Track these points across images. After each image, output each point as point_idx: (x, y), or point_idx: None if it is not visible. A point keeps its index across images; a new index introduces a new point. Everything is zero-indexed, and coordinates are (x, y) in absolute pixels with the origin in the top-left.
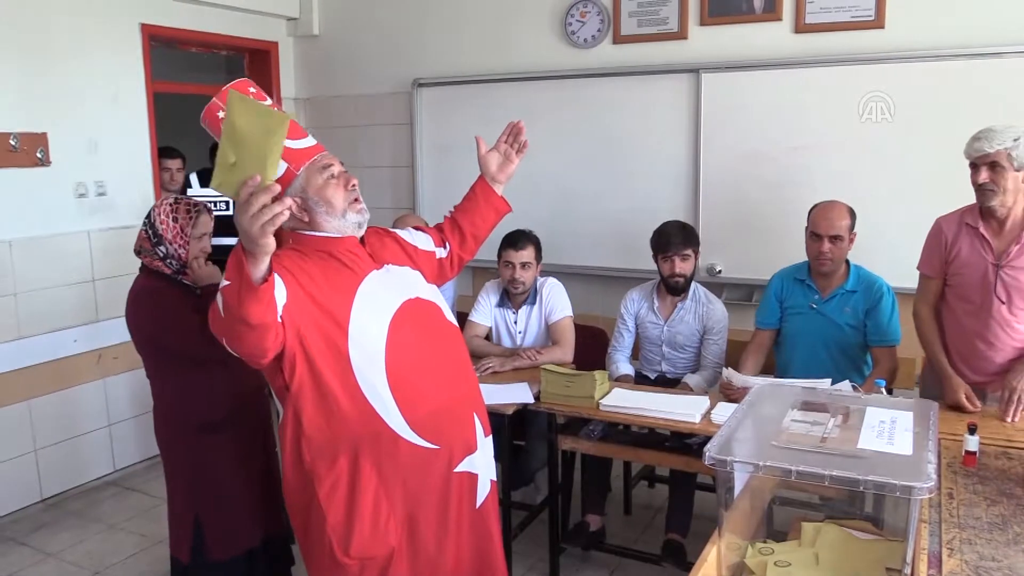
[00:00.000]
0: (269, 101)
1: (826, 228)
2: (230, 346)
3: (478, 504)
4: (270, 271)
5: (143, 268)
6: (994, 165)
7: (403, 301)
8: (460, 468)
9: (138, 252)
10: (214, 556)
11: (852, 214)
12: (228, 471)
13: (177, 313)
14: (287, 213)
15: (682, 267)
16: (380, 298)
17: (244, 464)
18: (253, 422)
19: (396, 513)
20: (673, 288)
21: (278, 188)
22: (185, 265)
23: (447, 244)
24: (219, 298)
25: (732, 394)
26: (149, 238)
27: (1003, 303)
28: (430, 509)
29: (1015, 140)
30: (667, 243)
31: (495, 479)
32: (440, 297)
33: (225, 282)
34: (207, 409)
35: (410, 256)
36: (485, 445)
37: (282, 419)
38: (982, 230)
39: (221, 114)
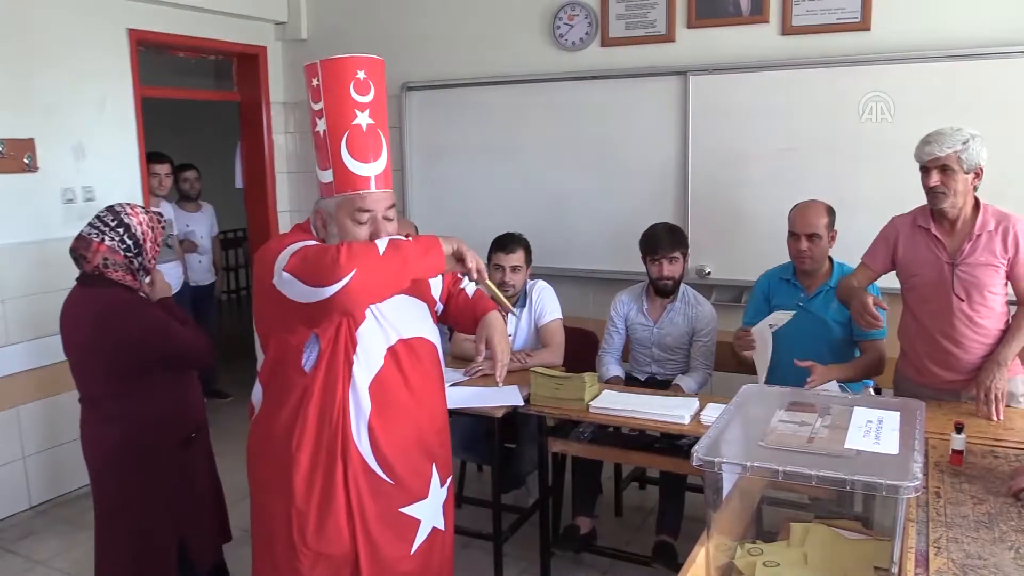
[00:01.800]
0: (370, 96)
1: (803, 226)
2: (359, 279)
3: (412, 549)
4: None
5: (101, 281)
6: (945, 168)
7: (397, 340)
8: (405, 510)
9: (102, 266)
10: (200, 567)
11: (830, 212)
12: (204, 480)
13: (172, 324)
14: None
15: (671, 270)
16: (378, 333)
17: (210, 469)
18: (206, 427)
19: (353, 522)
20: (662, 290)
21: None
22: (146, 276)
23: (446, 304)
24: (384, 243)
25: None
26: (127, 249)
27: (962, 300)
28: (383, 541)
29: (964, 143)
30: (656, 246)
31: (441, 527)
32: (437, 336)
33: (404, 239)
34: (187, 420)
35: (420, 288)
36: (437, 494)
37: (267, 403)
38: (934, 231)
39: (315, 82)
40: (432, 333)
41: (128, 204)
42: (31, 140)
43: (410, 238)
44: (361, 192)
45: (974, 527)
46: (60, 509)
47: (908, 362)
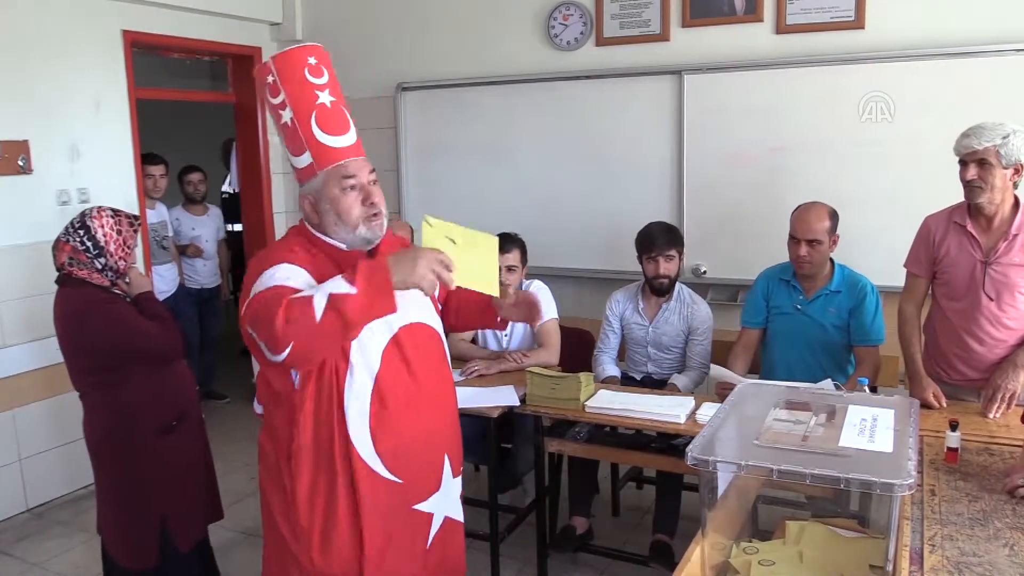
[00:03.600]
0: (325, 78)
1: (804, 232)
2: (298, 351)
3: (427, 544)
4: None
5: (72, 281)
6: (982, 162)
7: (400, 327)
8: (419, 507)
9: (67, 264)
10: (182, 548)
11: (833, 216)
12: (187, 466)
13: (138, 318)
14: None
15: (666, 268)
16: (377, 322)
17: (197, 456)
18: (197, 416)
19: (364, 537)
20: (657, 289)
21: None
22: (119, 276)
23: (444, 303)
24: (322, 303)
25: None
26: (87, 250)
27: (992, 300)
28: (395, 542)
29: (1004, 137)
30: (651, 244)
31: (456, 517)
32: (439, 323)
33: (348, 288)
34: (166, 410)
35: None
36: (451, 485)
37: (267, 422)
38: (970, 228)
39: (270, 79)
40: (434, 320)
41: (99, 208)
42: (26, 142)
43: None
44: (344, 161)
45: (969, 525)
46: (56, 512)
47: (930, 357)
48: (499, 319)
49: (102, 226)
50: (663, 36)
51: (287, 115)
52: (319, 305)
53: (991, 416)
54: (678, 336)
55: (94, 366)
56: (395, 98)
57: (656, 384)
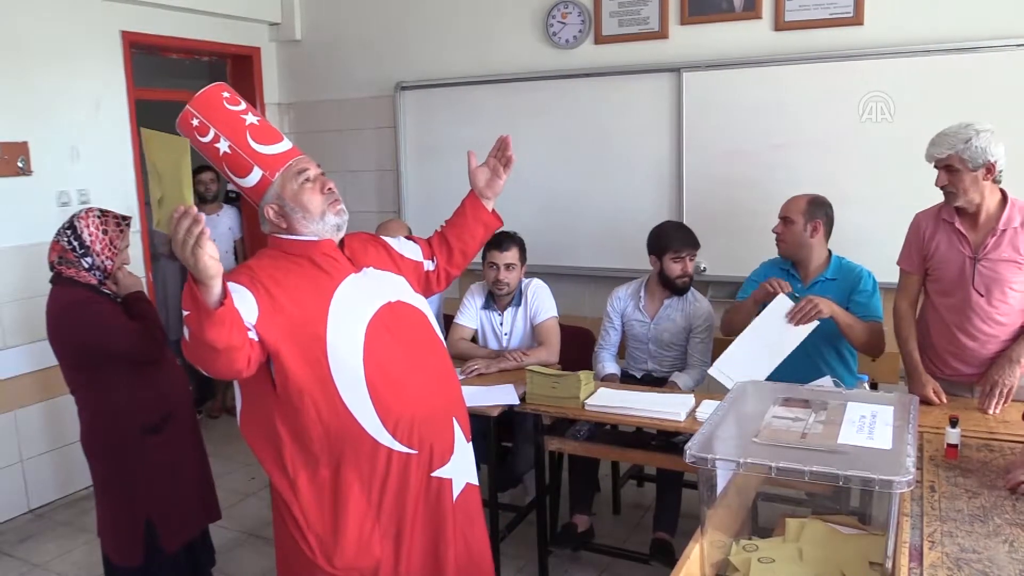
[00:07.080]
0: (243, 105)
1: (781, 211)
2: (205, 371)
3: (453, 503)
4: (225, 294)
5: (61, 280)
6: (949, 168)
7: (382, 304)
8: (437, 473)
9: (56, 263)
10: (168, 550)
11: (813, 203)
12: (173, 466)
13: (117, 318)
14: (208, 230)
15: (690, 267)
16: (358, 302)
17: (186, 457)
18: (187, 417)
19: (381, 525)
20: (680, 288)
21: (194, 209)
22: (108, 275)
23: (435, 258)
24: (185, 328)
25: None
26: (73, 249)
27: (982, 296)
28: (413, 518)
29: (966, 142)
30: (679, 243)
31: (474, 483)
32: (425, 304)
33: (185, 312)
34: (150, 410)
35: (395, 262)
36: (464, 450)
37: (257, 424)
38: (957, 225)
39: (195, 122)
40: (413, 298)
41: (88, 208)
42: (25, 143)
43: (407, 239)
44: (292, 161)
45: (968, 521)
46: (58, 512)
47: (923, 353)
48: (491, 211)
49: (87, 226)
50: (662, 34)
51: (224, 145)
52: (185, 329)
53: (990, 412)
54: (679, 333)
55: (76, 364)
56: (394, 97)
57: (656, 382)
